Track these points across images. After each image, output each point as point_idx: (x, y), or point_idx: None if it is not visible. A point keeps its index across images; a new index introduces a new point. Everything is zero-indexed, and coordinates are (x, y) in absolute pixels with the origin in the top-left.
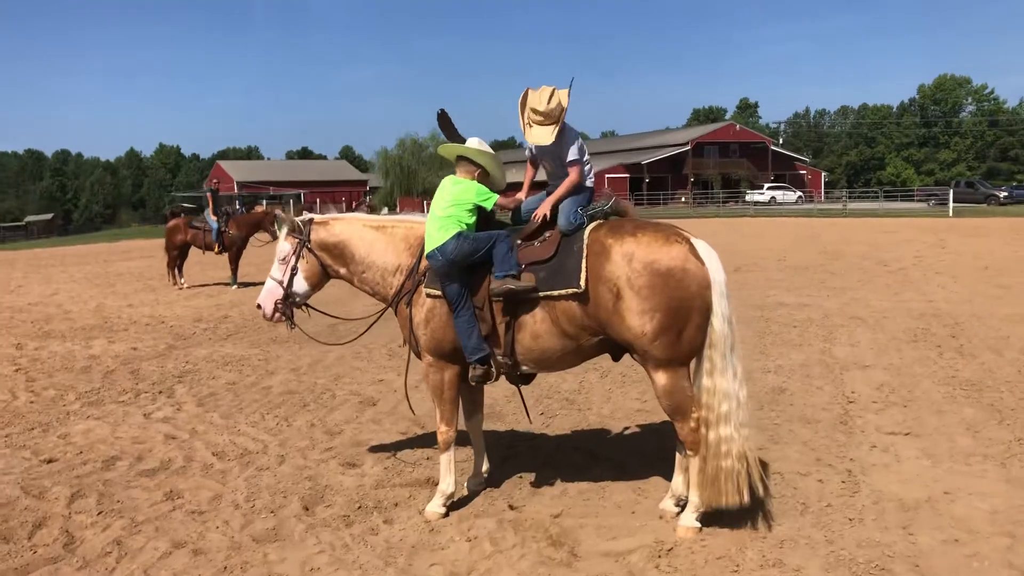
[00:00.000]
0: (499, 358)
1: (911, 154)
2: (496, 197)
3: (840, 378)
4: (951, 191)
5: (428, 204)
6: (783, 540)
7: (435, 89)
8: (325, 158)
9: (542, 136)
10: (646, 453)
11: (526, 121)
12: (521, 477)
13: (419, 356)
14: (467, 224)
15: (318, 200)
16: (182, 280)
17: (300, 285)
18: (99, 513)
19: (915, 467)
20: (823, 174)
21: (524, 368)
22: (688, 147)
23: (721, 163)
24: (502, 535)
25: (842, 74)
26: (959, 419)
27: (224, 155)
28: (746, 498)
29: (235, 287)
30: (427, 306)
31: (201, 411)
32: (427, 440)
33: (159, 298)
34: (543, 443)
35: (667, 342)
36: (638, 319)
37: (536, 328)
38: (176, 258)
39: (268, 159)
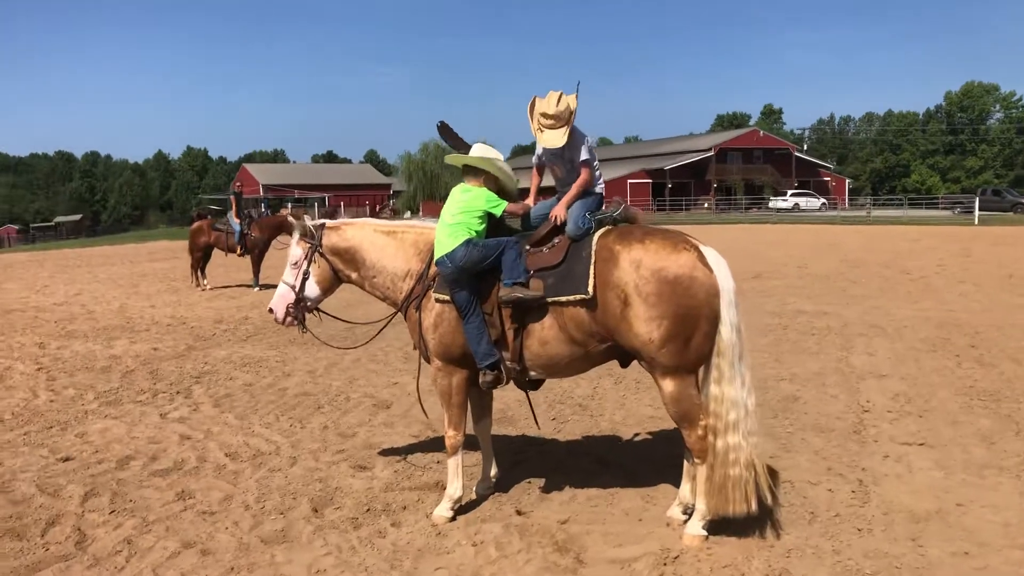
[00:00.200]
0: (508, 363)
1: (937, 161)
2: (505, 204)
3: (856, 387)
4: (977, 199)
5: None
6: (790, 549)
7: (461, 93)
8: (350, 162)
9: (554, 139)
10: (656, 460)
11: (537, 127)
12: (530, 482)
13: (428, 360)
14: (477, 231)
15: (342, 204)
16: (205, 282)
17: (312, 289)
18: (111, 512)
19: (927, 478)
20: (847, 181)
21: (532, 374)
22: (711, 153)
23: (744, 169)
24: (508, 540)
25: (867, 81)
26: (975, 430)
27: (251, 158)
28: (753, 507)
29: (257, 289)
30: (436, 311)
31: (217, 412)
32: (438, 444)
33: (181, 299)
34: (553, 448)
35: (674, 349)
36: (645, 326)
37: (544, 334)
38: (199, 260)
39: (294, 162)
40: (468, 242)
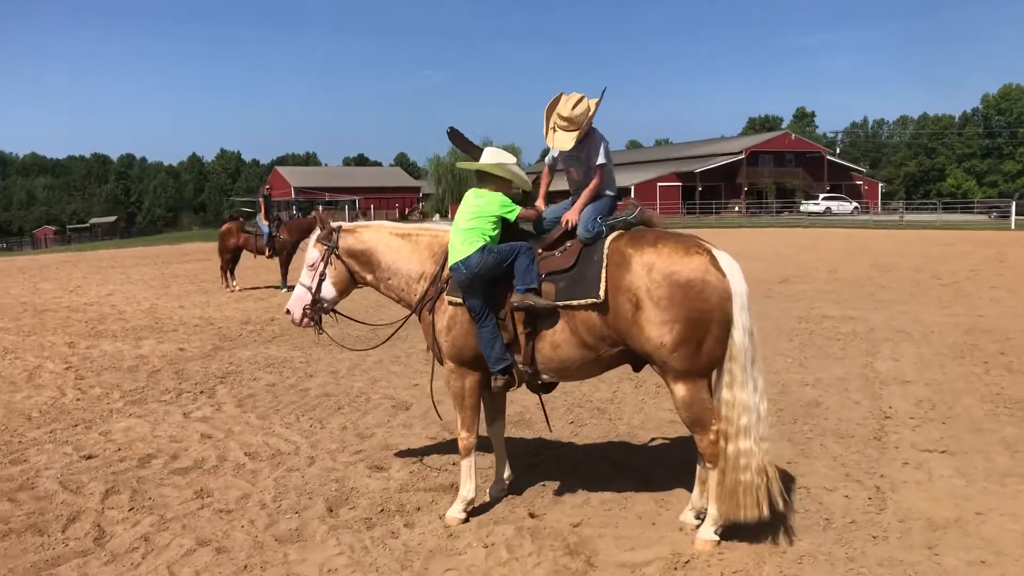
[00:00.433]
0: (520, 367)
1: (973, 165)
2: (519, 209)
3: (879, 393)
4: (1014, 203)
5: None
6: (802, 556)
7: (495, 97)
8: (380, 164)
9: (564, 141)
10: (672, 464)
11: (550, 125)
12: (544, 485)
13: (441, 362)
14: (490, 236)
15: (372, 206)
16: (234, 283)
17: (328, 291)
18: (130, 509)
19: (947, 486)
20: (880, 185)
21: (544, 377)
22: (742, 156)
23: (776, 172)
24: (519, 542)
25: (902, 84)
26: (999, 438)
27: (283, 161)
28: (765, 512)
29: (284, 290)
30: (449, 313)
31: (239, 412)
32: (455, 446)
33: (210, 300)
34: (569, 452)
35: (686, 353)
36: (657, 330)
37: (556, 338)
38: (229, 261)
39: (325, 165)
40: (483, 248)
